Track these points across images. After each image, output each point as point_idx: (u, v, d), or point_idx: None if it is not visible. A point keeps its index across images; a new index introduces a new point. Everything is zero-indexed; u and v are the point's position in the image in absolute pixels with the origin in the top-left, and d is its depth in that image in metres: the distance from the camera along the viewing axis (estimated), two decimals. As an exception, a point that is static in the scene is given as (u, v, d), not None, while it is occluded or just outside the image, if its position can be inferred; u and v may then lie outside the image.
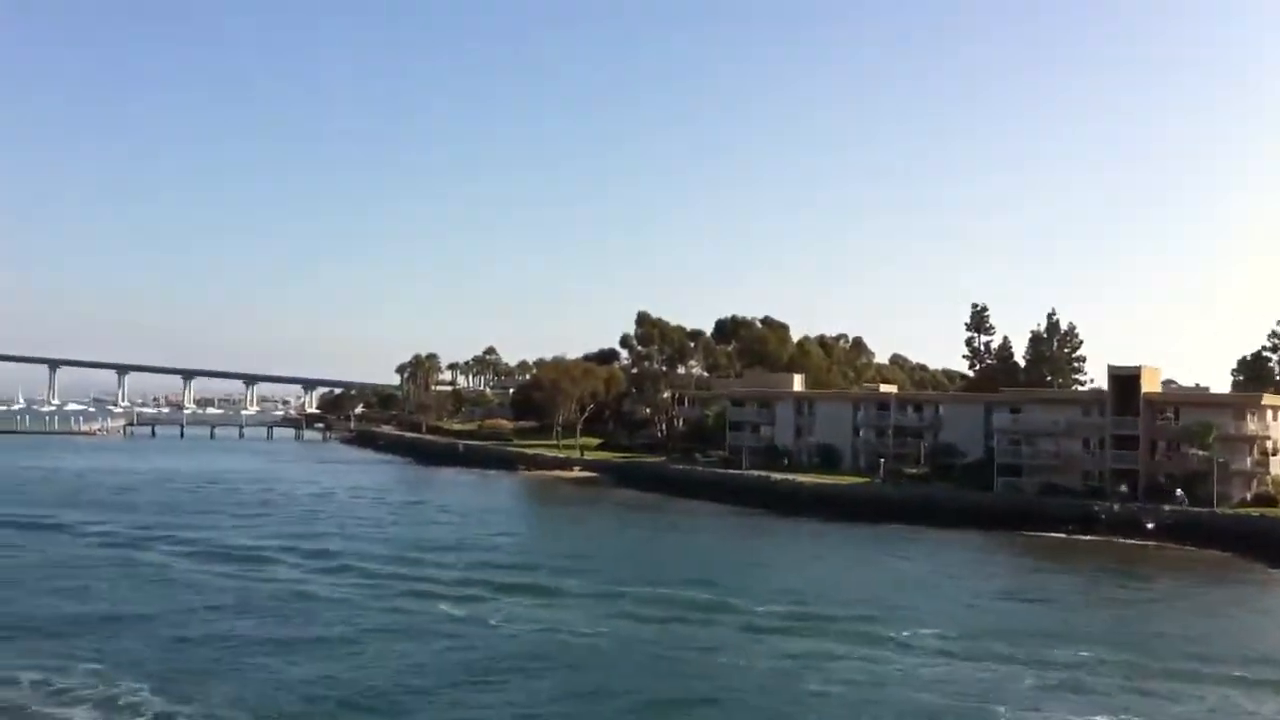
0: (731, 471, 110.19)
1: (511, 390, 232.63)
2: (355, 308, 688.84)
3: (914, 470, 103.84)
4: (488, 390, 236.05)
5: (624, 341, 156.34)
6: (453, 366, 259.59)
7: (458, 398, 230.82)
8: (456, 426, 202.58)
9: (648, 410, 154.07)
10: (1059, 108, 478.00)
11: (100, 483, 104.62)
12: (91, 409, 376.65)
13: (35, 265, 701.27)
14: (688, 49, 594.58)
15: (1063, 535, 79.34)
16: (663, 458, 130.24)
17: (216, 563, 57.80)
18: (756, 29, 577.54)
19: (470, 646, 41.02)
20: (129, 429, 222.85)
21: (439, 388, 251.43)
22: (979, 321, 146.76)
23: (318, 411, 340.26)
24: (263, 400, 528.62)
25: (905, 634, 43.93)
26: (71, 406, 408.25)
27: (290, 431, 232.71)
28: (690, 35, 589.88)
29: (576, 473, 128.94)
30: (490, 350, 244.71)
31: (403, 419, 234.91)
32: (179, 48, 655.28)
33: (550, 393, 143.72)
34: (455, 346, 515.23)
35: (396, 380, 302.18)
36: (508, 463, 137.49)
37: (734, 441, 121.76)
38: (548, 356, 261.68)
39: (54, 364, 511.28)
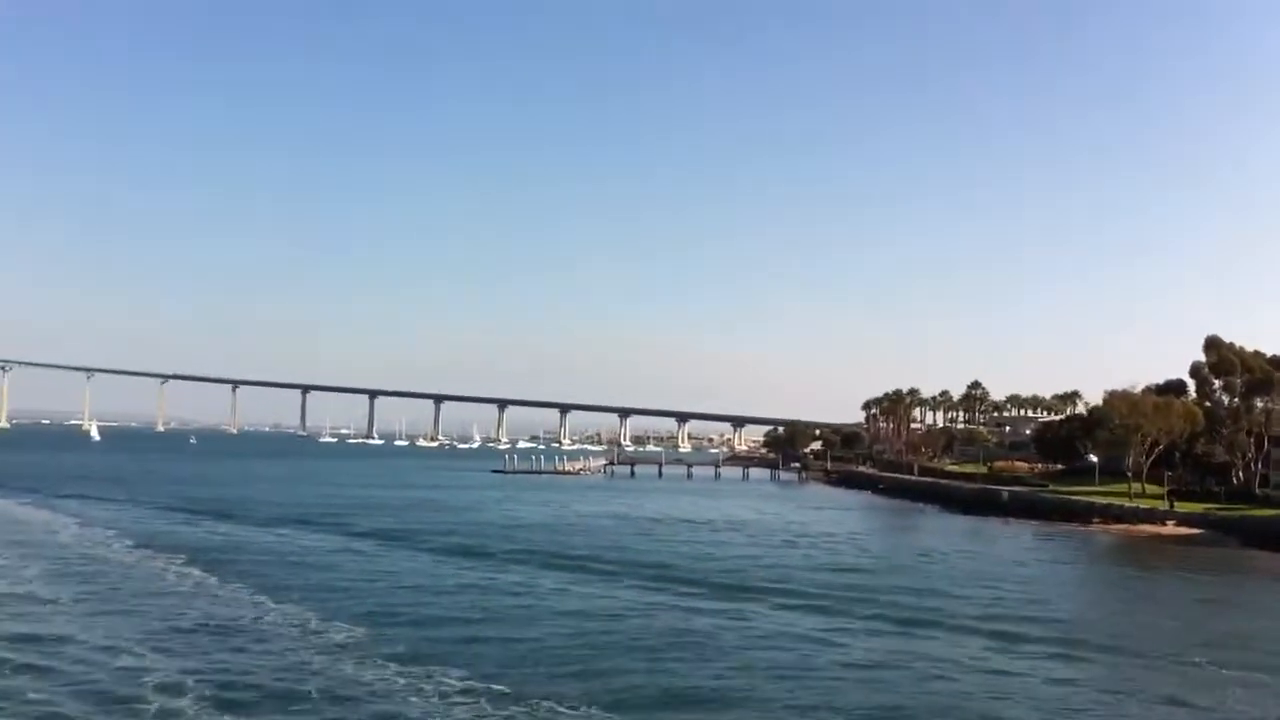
0: None
1: (1006, 428, 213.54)
2: (791, 349, 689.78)
3: None
4: (982, 427, 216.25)
5: (1194, 371, 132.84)
6: (922, 403, 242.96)
7: (949, 436, 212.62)
8: (952, 468, 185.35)
9: (1221, 451, 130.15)
10: None
11: (710, 538, 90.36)
12: (541, 446, 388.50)
13: (492, 317, 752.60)
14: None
15: None
16: (1277, 511, 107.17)
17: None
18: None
19: None
20: (609, 468, 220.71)
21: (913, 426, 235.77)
22: None
23: (764, 451, 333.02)
24: (691, 437, 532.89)
25: None
26: (522, 444, 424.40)
27: (764, 472, 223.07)
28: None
29: (1172, 528, 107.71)
30: (976, 384, 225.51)
31: (878, 458, 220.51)
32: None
33: (1123, 432, 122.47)
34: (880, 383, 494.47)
35: (835, 418, 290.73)
36: (1075, 514, 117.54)
37: None
38: (1024, 393, 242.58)
39: (502, 404, 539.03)
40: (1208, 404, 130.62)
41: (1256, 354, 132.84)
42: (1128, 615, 56.62)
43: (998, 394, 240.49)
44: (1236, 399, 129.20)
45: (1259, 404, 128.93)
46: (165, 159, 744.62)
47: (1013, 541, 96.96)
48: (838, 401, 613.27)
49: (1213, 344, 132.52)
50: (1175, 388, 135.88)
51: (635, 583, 61.14)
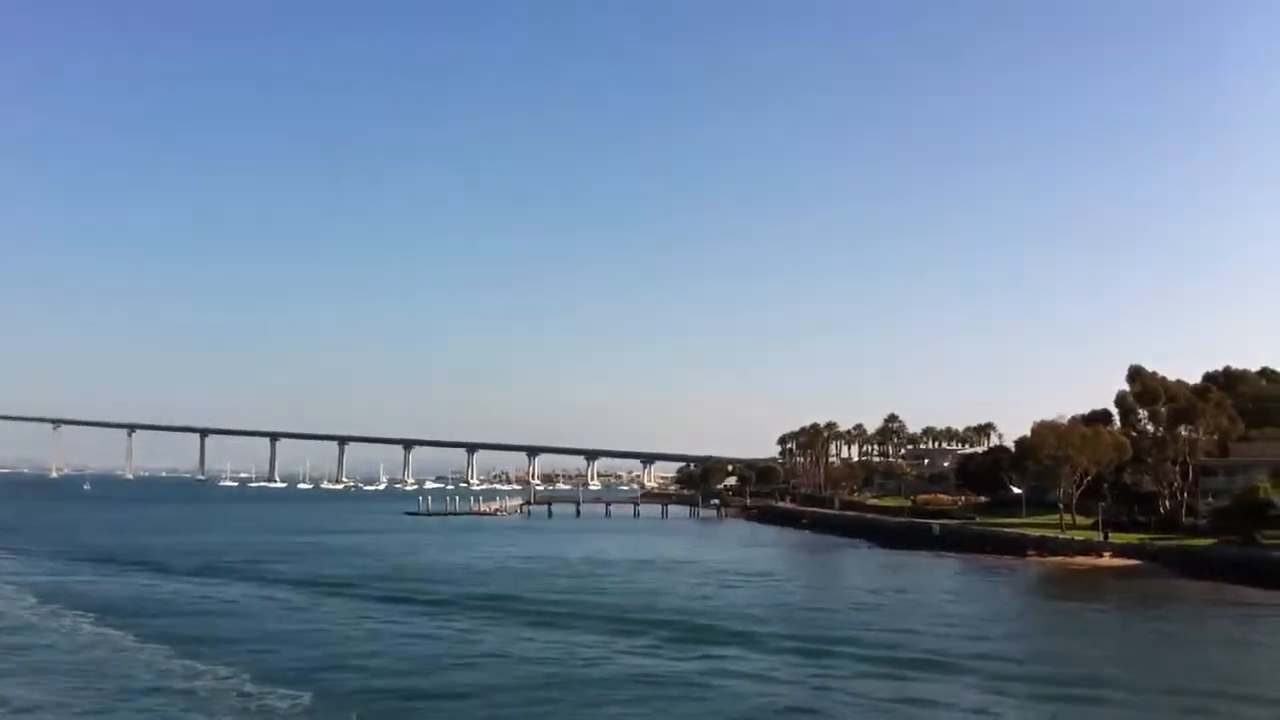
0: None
1: (925, 460, 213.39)
2: (697, 386, 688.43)
3: None
4: (902, 461, 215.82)
5: (1119, 401, 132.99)
6: (838, 436, 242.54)
7: (868, 469, 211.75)
8: (874, 501, 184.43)
9: (1148, 481, 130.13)
10: None
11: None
12: (450, 487, 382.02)
13: (394, 354, 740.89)
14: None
15: None
16: (1210, 540, 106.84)
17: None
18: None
19: None
20: (526, 508, 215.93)
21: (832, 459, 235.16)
22: None
23: (675, 488, 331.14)
24: (601, 475, 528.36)
25: None
26: (429, 485, 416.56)
27: (683, 509, 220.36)
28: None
29: (1109, 559, 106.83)
30: (893, 418, 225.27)
31: (796, 493, 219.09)
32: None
33: (1052, 463, 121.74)
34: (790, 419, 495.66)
35: (744, 453, 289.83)
36: (1009, 547, 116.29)
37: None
38: (938, 425, 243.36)
39: (408, 444, 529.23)
40: (1133, 433, 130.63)
41: (1179, 383, 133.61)
42: (1105, 651, 54.37)
43: (911, 427, 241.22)
44: (1162, 428, 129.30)
45: (1183, 432, 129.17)
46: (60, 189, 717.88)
47: (958, 577, 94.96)
48: (745, 437, 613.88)
49: (1136, 373, 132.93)
50: (1100, 417, 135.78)
51: (593, 627, 57.60)
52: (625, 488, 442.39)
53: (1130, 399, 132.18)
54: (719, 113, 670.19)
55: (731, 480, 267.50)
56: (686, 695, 40.43)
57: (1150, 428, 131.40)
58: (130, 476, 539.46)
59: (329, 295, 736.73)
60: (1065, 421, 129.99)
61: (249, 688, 41.36)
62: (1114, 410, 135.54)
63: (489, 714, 37.75)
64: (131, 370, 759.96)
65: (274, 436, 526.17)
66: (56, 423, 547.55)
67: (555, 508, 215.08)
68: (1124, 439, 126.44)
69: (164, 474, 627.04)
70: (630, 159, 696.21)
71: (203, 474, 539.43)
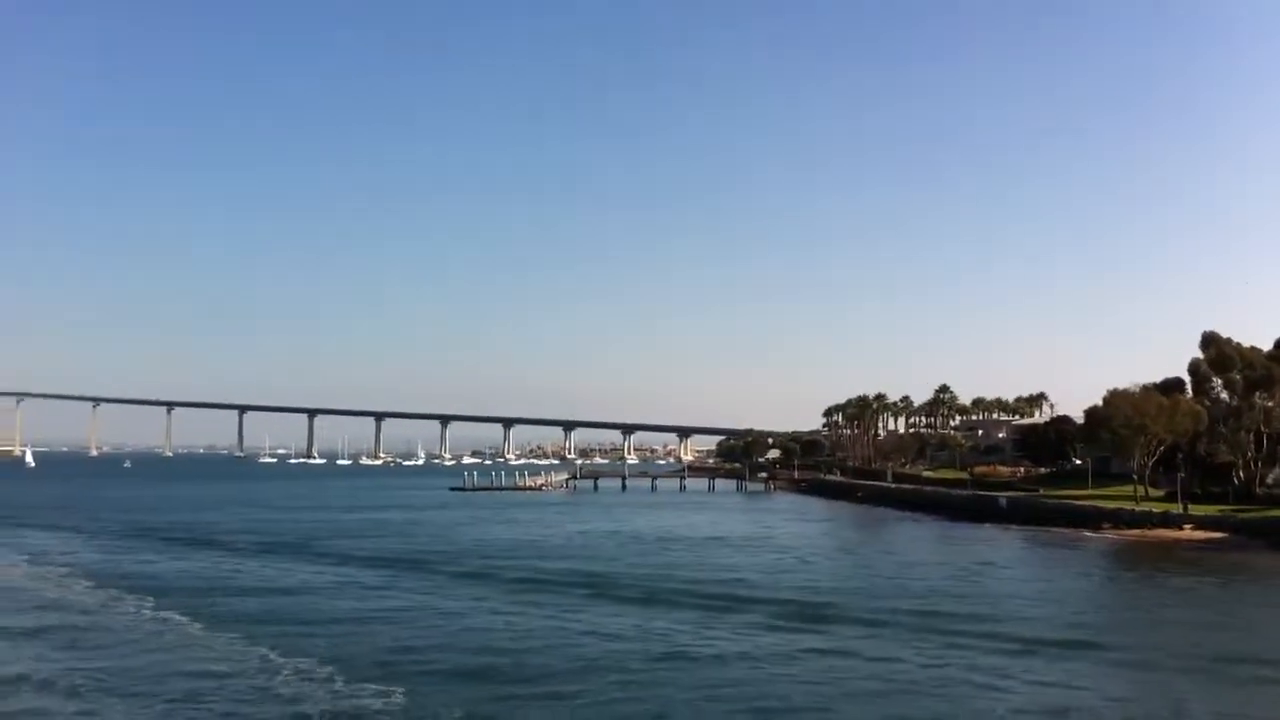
0: None
1: (980, 431, 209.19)
2: (732, 359, 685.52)
3: None
4: (955, 432, 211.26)
5: (1193, 368, 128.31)
6: (886, 408, 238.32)
7: (921, 441, 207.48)
8: (929, 474, 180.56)
9: (1224, 451, 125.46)
10: None
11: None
12: (488, 462, 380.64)
13: (429, 334, 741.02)
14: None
15: None
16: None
17: None
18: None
19: None
20: (572, 482, 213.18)
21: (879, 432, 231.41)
22: None
23: (713, 461, 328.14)
24: (637, 449, 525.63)
25: None
26: (466, 460, 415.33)
27: (729, 483, 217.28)
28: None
29: (1190, 532, 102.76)
30: (944, 388, 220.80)
31: (844, 466, 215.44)
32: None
33: (1127, 432, 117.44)
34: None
35: (781, 426, 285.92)
36: (1081, 519, 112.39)
37: None
38: (987, 396, 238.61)
39: (445, 419, 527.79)
40: (1206, 402, 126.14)
41: (1254, 349, 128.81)
42: (1243, 627, 51.03)
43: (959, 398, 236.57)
44: (1237, 396, 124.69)
45: (1259, 401, 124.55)
46: (105, 177, 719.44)
47: (1037, 550, 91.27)
48: (781, 410, 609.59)
49: (1211, 340, 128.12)
50: (1174, 386, 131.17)
51: (692, 604, 54.83)
52: (662, 462, 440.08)
53: (1205, 366, 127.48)
54: (763, 92, 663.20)
55: (774, 453, 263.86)
56: (820, 679, 37.22)
57: (1225, 396, 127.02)
58: (169, 454, 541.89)
59: (362, 275, 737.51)
60: (1138, 390, 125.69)
61: (333, 681, 37.46)
62: (1186, 378, 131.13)
63: (611, 699, 34.57)
64: (169, 349, 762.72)
65: (311, 413, 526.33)
66: (96, 401, 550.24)
67: (600, 482, 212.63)
68: (1199, 408, 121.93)
69: (202, 450, 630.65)
70: (671, 140, 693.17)
71: (241, 451, 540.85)
